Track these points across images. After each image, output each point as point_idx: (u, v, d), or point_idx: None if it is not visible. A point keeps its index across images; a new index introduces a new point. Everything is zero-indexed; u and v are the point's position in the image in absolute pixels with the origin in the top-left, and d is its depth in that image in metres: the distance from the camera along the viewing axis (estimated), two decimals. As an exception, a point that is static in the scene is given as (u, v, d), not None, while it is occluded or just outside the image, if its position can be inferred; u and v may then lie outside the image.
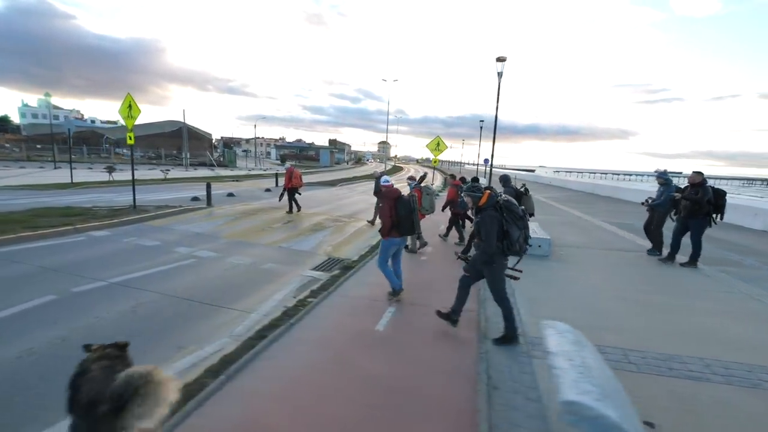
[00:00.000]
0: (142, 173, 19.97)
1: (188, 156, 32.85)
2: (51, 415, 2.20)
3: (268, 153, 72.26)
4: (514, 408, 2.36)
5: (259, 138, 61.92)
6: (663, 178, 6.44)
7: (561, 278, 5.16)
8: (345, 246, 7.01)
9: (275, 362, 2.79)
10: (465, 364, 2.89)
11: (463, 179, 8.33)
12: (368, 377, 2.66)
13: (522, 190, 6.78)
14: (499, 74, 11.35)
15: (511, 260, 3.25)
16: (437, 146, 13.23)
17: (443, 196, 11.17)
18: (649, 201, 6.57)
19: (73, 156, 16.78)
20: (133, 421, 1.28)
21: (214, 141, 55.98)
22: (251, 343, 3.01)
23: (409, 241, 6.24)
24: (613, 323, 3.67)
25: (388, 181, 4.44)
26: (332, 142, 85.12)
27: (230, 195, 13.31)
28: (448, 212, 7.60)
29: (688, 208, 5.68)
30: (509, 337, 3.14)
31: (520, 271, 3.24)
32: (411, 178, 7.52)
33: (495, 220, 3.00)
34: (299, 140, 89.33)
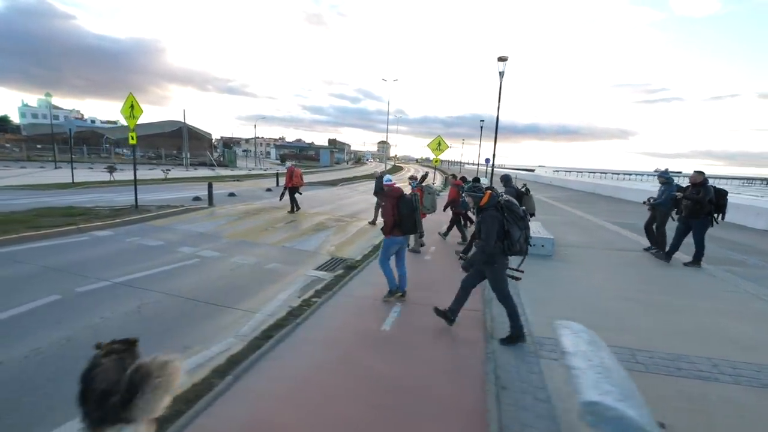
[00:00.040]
0: (143, 173, 19.94)
1: (188, 156, 32.81)
2: (59, 416, 2.19)
3: (268, 153, 72.23)
4: (523, 408, 2.35)
5: (258, 138, 61.92)
6: (664, 177, 6.44)
7: (565, 278, 5.15)
8: (348, 246, 7.01)
9: (282, 362, 2.78)
10: (472, 364, 2.88)
11: (463, 179, 8.32)
12: (376, 377, 2.65)
13: (523, 190, 6.78)
14: (501, 74, 11.34)
15: (515, 260, 3.25)
16: (438, 146, 13.22)
17: (444, 196, 11.16)
18: (651, 200, 6.57)
19: (73, 156, 16.74)
20: (139, 412, 1.33)
21: (213, 141, 55.94)
22: (257, 343, 3.00)
23: (412, 241, 6.24)
24: (618, 323, 3.66)
25: (390, 180, 4.45)
26: (332, 141, 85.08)
27: (231, 195, 13.29)
28: (449, 212, 7.60)
29: (689, 208, 5.67)
30: (516, 336, 3.14)
31: (522, 272, 3.25)
32: (412, 178, 7.52)
33: (496, 220, 3.01)
34: (299, 140, 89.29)
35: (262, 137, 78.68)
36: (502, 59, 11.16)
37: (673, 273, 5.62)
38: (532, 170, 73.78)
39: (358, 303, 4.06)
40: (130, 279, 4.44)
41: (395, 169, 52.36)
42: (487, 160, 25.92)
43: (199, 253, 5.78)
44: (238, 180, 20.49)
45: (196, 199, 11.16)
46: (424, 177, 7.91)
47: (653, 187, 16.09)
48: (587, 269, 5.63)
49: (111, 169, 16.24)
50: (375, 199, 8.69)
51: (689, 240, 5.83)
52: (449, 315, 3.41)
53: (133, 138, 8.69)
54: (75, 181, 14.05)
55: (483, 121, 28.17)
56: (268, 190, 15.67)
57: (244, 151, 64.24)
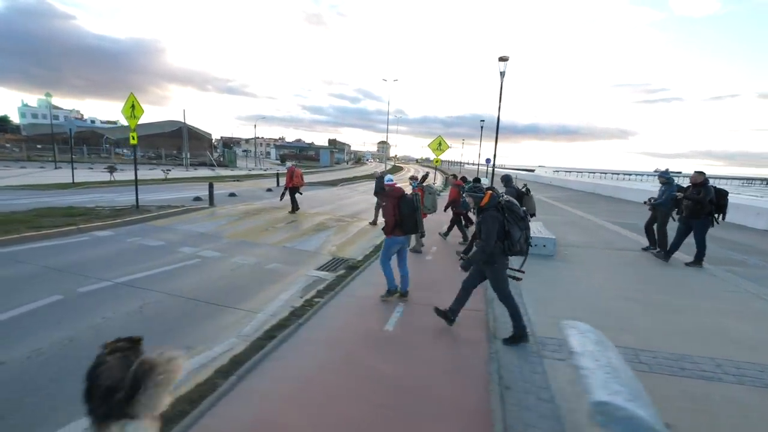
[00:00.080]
0: (143, 173, 19.91)
1: (188, 156, 32.81)
2: (62, 416, 2.19)
3: (268, 153, 72.23)
4: (526, 408, 2.35)
5: (258, 138, 61.89)
6: (665, 177, 6.45)
7: (567, 278, 5.15)
8: (349, 246, 7.00)
9: (285, 362, 2.77)
10: (475, 364, 2.88)
11: (464, 179, 8.33)
12: (379, 377, 2.65)
13: (523, 190, 6.78)
14: (502, 74, 11.34)
15: (517, 261, 3.26)
16: (439, 146, 13.23)
17: (444, 196, 11.16)
18: (652, 200, 6.58)
19: (73, 156, 16.73)
20: (142, 408, 1.36)
21: (213, 141, 55.93)
22: (260, 344, 3.00)
23: (413, 241, 6.24)
24: (620, 323, 3.66)
25: (391, 180, 4.46)
26: (332, 142, 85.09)
27: (232, 195, 13.29)
28: (450, 212, 7.60)
29: (690, 208, 5.68)
30: (518, 336, 3.14)
31: (523, 272, 3.26)
32: (413, 178, 7.52)
33: (496, 221, 3.03)
34: (299, 140, 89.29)
35: (262, 137, 78.66)
36: (503, 59, 11.17)
37: (675, 273, 5.62)
38: (532, 170, 73.80)
39: (361, 303, 4.05)
40: (132, 279, 4.44)
41: (395, 169, 52.38)
42: (488, 160, 25.94)
43: (200, 253, 5.78)
44: (238, 180, 20.49)
45: (197, 199, 11.16)
46: (425, 177, 7.92)
47: (653, 187, 16.10)
48: (588, 269, 5.63)
49: (111, 169, 16.23)
50: (375, 199, 8.69)
51: (690, 240, 5.83)
52: (449, 315, 3.42)
53: (134, 138, 8.69)
54: (75, 181, 14.04)
55: (483, 121, 28.19)
56: (269, 190, 15.67)
57: (244, 151, 64.23)
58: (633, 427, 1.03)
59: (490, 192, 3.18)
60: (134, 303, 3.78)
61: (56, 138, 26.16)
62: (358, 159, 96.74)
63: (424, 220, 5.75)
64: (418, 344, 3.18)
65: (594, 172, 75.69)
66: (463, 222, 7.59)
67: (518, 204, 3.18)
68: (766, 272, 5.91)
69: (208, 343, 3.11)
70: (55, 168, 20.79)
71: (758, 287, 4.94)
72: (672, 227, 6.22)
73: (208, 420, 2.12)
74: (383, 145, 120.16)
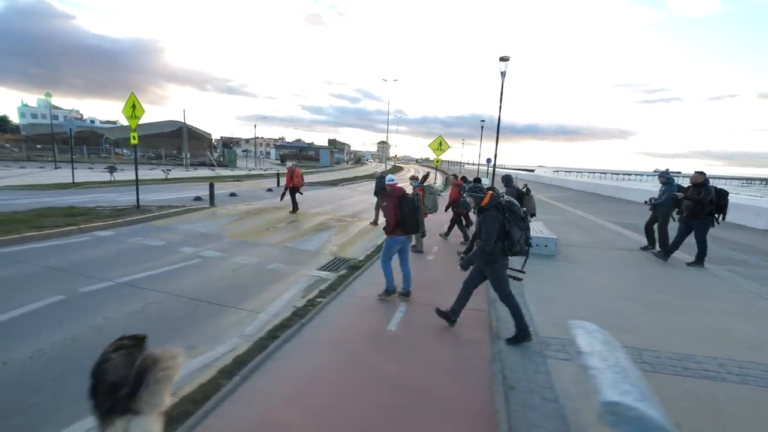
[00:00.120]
0: (143, 173, 19.89)
1: (188, 156, 32.78)
2: (64, 416, 2.18)
3: (268, 153, 72.20)
4: (531, 408, 2.34)
5: (258, 138, 61.86)
6: (665, 177, 6.46)
7: (569, 278, 5.15)
8: (350, 246, 7.00)
9: (288, 363, 2.77)
10: (478, 364, 2.87)
11: (464, 179, 8.33)
12: (383, 377, 2.64)
13: (524, 190, 6.78)
14: (503, 74, 11.34)
15: (519, 261, 3.26)
16: (439, 146, 13.22)
17: (445, 196, 11.16)
18: (652, 200, 6.58)
19: (73, 156, 16.70)
20: (144, 404, 1.38)
21: (213, 141, 55.90)
22: (263, 344, 2.99)
23: (415, 240, 6.24)
24: (623, 323, 3.65)
25: (393, 180, 4.47)
26: (332, 142, 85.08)
27: (232, 195, 13.28)
28: (450, 212, 7.60)
29: (690, 208, 5.68)
30: (521, 335, 3.14)
31: (523, 272, 3.26)
32: (414, 178, 7.52)
33: (497, 221, 3.04)
34: (299, 140, 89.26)
35: (262, 137, 78.60)
36: (503, 59, 11.17)
37: (676, 273, 5.62)
38: (532, 170, 73.86)
39: (363, 303, 4.05)
40: (133, 279, 4.43)
41: (395, 169, 52.38)
42: (488, 160, 25.95)
43: (202, 253, 5.77)
44: (238, 180, 20.48)
45: (197, 199, 11.15)
46: (426, 177, 7.94)
47: (654, 187, 16.11)
48: (590, 269, 5.63)
49: (111, 169, 16.22)
50: (375, 199, 8.69)
51: (690, 240, 5.84)
52: (450, 316, 3.43)
53: (134, 138, 8.67)
54: (75, 181, 14.02)
55: (483, 121, 28.19)
56: (269, 190, 15.66)
57: (244, 151, 64.21)
58: (644, 427, 1.02)
59: (490, 192, 3.19)
60: (136, 303, 3.77)
61: (56, 138, 26.13)
62: (358, 159, 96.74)
63: (425, 220, 5.75)
64: (422, 344, 3.18)
65: (594, 172, 75.76)
66: (464, 222, 7.59)
67: (519, 204, 3.19)
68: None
69: (211, 343, 3.10)
70: (55, 168, 20.76)
71: (760, 287, 4.94)
72: (673, 227, 6.22)
73: (212, 420, 2.11)
74: (383, 145, 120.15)
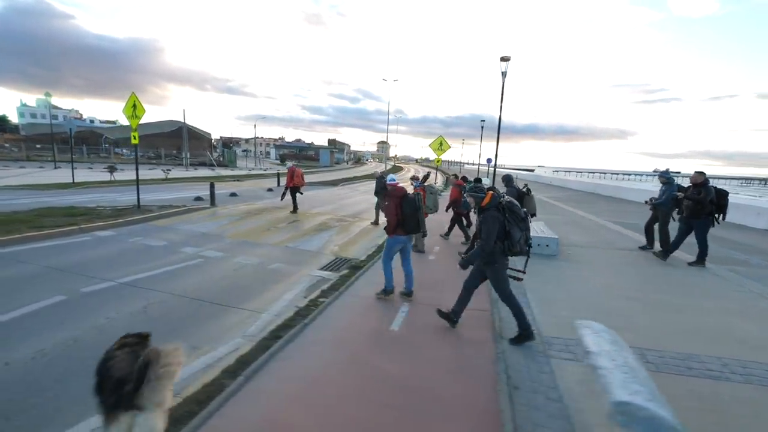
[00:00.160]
0: (143, 173, 19.86)
1: (188, 156, 32.74)
2: (67, 417, 2.17)
3: (268, 153, 72.17)
4: (535, 408, 2.34)
5: (258, 138, 61.83)
6: (665, 177, 6.47)
7: (570, 277, 5.15)
8: (351, 246, 6.99)
9: (292, 363, 2.76)
10: (482, 364, 2.87)
11: (464, 179, 8.33)
12: (387, 377, 2.63)
13: (524, 190, 6.79)
14: (503, 74, 11.34)
15: (520, 262, 3.26)
16: (440, 146, 13.22)
17: (445, 196, 11.16)
18: (652, 200, 6.59)
19: (73, 156, 16.67)
20: (146, 400, 1.42)
21: (213, 141, 55.86)
22: (266, 344, 2.98)
23: (416, 240, 6.23)
24: (625, 322, 3.65)
25: (394, 180, 4.47)
26: (331, 141, 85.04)
27: (233, 195, 13.27)
28: (450, 212, 7.60)
29: (690, 208, 5.69)
30: (524, 335, 3.14)
31: (524, 272, 3.27)
32: (414, 178, 7.52)
33: (497, 221, 3.04)
34: (298, 140, 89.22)
35: (262, 137, 78.53)
36: (504, 59, 11.17)
37: (677, 273, 5.62)
38: (532, 170, 73.96)
39: (365, 303, 4.04)
40: (135, 279, 4.42)
41: (395, 169, 52.37)
42: (489, 160, 25.96)
43: (203, 253, 5.76)
44: (238, 180, 20.46)
45: (198, 199, 11.14)
46: (426, 177, 7.95)
47: (654, 187, 16.11)
48: (591, 269, 5.63)
49: (111, 169, 16.19)
50: (376, 199, 8.67)
51: (691, 240, 5.84)
52: (452, 316, 3.43)
53: (135, 138, 8.66)
54: (75, 181, 14.00)
55: (484, 121, 28.19)
56: (270, 190, 15.65)
57: (244, 151, 64.19)
58: (654, 426, 1.02)
59: (491, 192, 3.20)
60: (138, 303, 3.76)
61: (55, 138, 26.08)
62: (358, 159, 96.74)
63: (426, 219, 5.74)
64: (425, 344, 3.17)
65: (593, 172, 75.82)
66: (465, 222, 7.59)
67: (519, 205, 3.19)
68: (769, 272, 5.92)
69: (214, 344, 3.09)
70: (55, 168, 20.72)
71: (762, 287, 4.94)
72: (673, 227, 6.23)
73: (216, 421, 2.10)
74: (383, 145, 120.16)
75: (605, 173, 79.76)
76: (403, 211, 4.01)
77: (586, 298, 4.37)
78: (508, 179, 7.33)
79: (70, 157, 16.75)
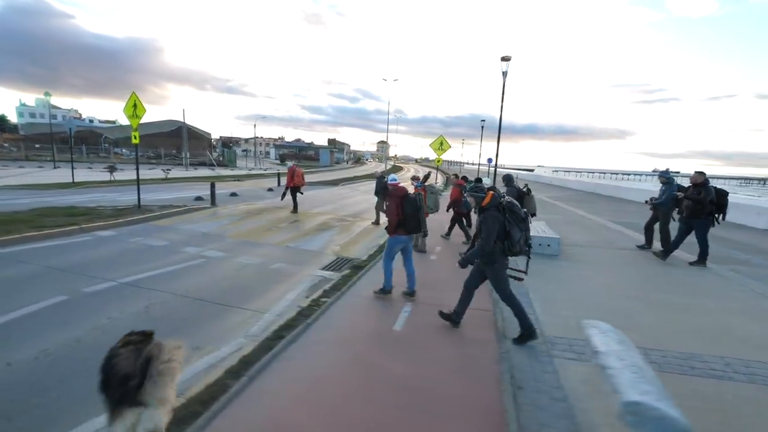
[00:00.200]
0: (143, 173, 19.82)
1: (188, 155, 32.69)
2: (70, 417, 2.16)
3: (267, 153, 72.11)
4: (540, 408, 2.34)
5: (258, 138, 61.77)
6: (665, 177, 6.48)
7: (572, 277, 5.15)
8: (353, 246, 6.98)
9: (295, 363, 2.75)
10: (486, 364, 2.87)
11: (465, 178, 8.34)
12: (390, 377, 2.63)
13: (524, 190, 6.79)
14: (504, 73, 11.34)
15: (522, 262, 3.26)
16: (440, 145, 13.22)
17: (446, 196, 11.16)
18: (653, 200, 6.60)
19: (72, 156, 16.63)
20: (148, 397, 1.43)
21: (212, 141, 55.79)
22: (269, 344, 2.98)
23: (418, 241, 6.23)
24: (628, 322, 3.65)
25: (395, 180, 4.47)
26: (331, 141, 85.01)
27: (233, 195, 13.26)
28: (452, 212, 7.59)
29: (690, 208, 5.69)
30: (527, 334, 3.13)
31: (524, 272, 3.27)
32: (415, 178, 7.53)
33: (497, 221, 3.05)
34: (298, 140, 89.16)
35: (261, 137, 78.47)
36: (505, 59, 11.17)
37: (679, 272, 5.63)
38: (532, 170, 74.09)
39: (368, 303, 4.04)
40: (136, 279, 4.41)
41: (395, 169, 52.36)
42: (489, 160, 25.97)
43: (204, 253, 5.75)
44: (238, 180, 20.44)
45: (198, 198, 11.12)
46: (427, 177, 7.96)
47: (654, 187, 16.11)
48: (594, 268, 5.64)
49: (111, 169, 16.17)
50: (376, 199, 8.67)
51: (692, 240, 5.85)
52: (454, 317, 3.44)
53: (136, 137, 8.64)
54: (75, 180, 13.97)
55: (484, 121, 28.19)
56: (270, 190, 15.64)
57: (243, 150, 64.14)
58: (665, 427, 1.02)
59: (491, 192, 3.21)
60: (140, 303, 3.75)
61: (55, 138, 26.02)
62: (358, 159, 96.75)
63: (426, 219, 5.74)
64: (428, 344, 3.17)
65: (593, 172, 75.90)
66: (465, 222, 7.59)
67: (519, 205, 3.21)
68: (770, 271, 5.92)
69: (216, 344, 3.09)
70: (54, 168, 20.68)
71: (764, 287, 4.95)
72: (673, 227, 6.24)
73: (220, 422, 2.10)
74: (383, 144, 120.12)
75: (604, 173, 79.87)
76: (405, 211, 4.01)
77: (588, 297, 4.37)
78: (508, 179, 7.34)
79: (69, 157, 16.73)
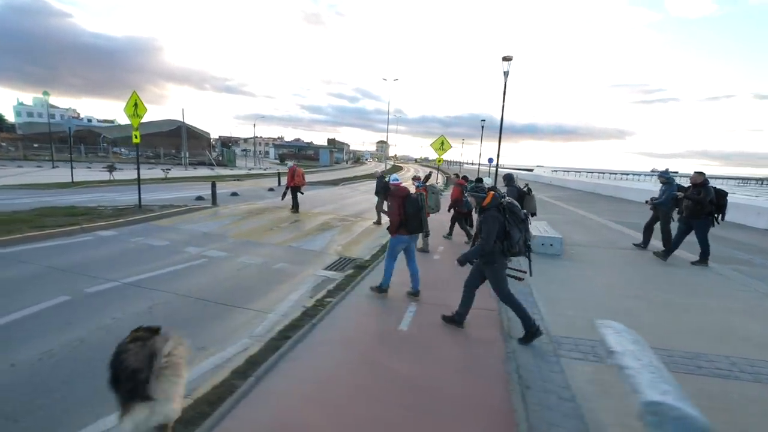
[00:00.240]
0: (143, 172, 19.78)
1: (187, 155, 32.61)
2: (75, 418, 2.15)
3: (267, 152, 72.01)
4: (548, 408, 2.33)
5: (257, 137, 61.66)
6: (665, 177, 6.50)
7: (575, 277, 5.15)
8: (355, 245, 6.97)
9: (302, 363, 2.74)
10: (492, 364, 2.86)
11: (465, 178, 8.34)
12: (397, 377, 2.62)
13: (525, 189, 6.80)
14: (505, 73, 11.34)
15: (522, 263, 3.26)
16: (441, 145, 13.22)
17: (446, 195, 11.16)
18: (653, 200, 6.62)
19: (72, 155, 16.56)
20: (156, 391, 1.45)
21: (212, 140, 55.65)
22: (275, 344, 2.96)
23: (421, 241, 6.22)
24: (631, 321, 3.61)
25: (397, 180, 4.47)
26: (331, 141, 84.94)
27: (234, 194, 13.22)
28: (453, 212, 7.59)
29: (690, 208, 5.71)
30: (531, 333, 3.13)
31: (524, 272, 3.28)
32: (416, 178, 7.53)
33: (497, 221, 3.06)
34: (298, 139, 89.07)
35: (261, 137, 78.35)
36: (506, 59, 11.17)
37: (681, 272, 5.64)
38: (531, 170, 74.30)
39: (372, 303, 4.03)
40: (139, 279, 4.39)
41: (395, 169, 52.37)
42: (490, 160, 25.99)
43: (206, 253, 5.73)
44: (238, 179, 20.39)
45: (199, 198, 11.09)
46: (428, 177, 7.95)
47: (654, 187, 16.15)
48: (595, 268, 5.64)
49: (111, 169, 16.11)
50: (377, 198, 8.65)
51: (693, 240, 5.86)
52: (457, 319, 3.44)
53: (136, 137, 8.60)
54: (74, 180, 13.91)
55: (484, 120, 28.21)
56: (271, 189, 15.60)
57: (243, 150, 64.04)
58: (686, 427, 1.01)
59: (492, 192, 3.22)
60: (143, 303, 3.74)
61: (53, 137, 25.90)
62: (358, 158, 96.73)
63: (428, 219, 5.74)
64: (434, 344, 3.16)
65: (592, 172, 76.07)
66: (467, 222, 7.59)
67: (519, 206, 3.22)
68: (772, 271, 5.94)
69: (221, 344, 3.07)
70: (53, 167, 20.59)
71: (766, 286, 4.96)
72: (673, 227, 6.25)
73: (229, 422, 2.08)
74: (382, 144, 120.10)
75: (604, 173, 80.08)
76: (406, 211, 4.00)
77: (591, 297, 4.37)
78: (509, 178, 7.35)
79: (68, 157, 16.67)
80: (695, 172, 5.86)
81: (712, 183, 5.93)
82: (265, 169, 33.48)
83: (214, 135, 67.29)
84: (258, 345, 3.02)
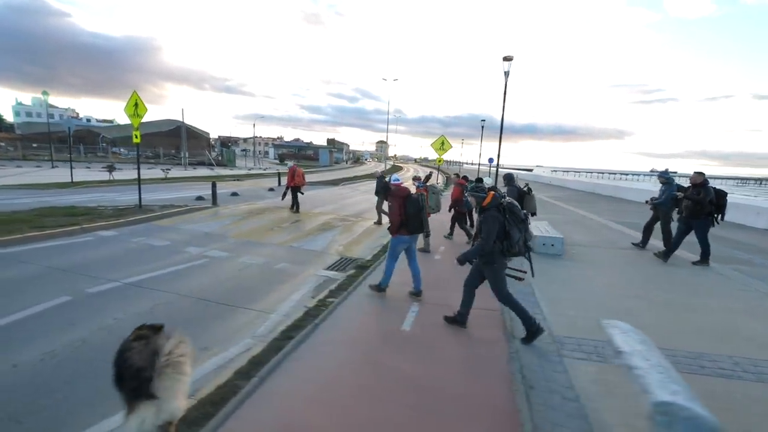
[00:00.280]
0: (142, 172, 19.75)
1: (187, 155, 32.56)
2: (77, 419, 2.14)
3: (266, 152, 71.97)
4: (552, 408, 2.33)
5: (257, 137, 61.62)
6: (664, 177, 6.51)
7: (577, 277, 5.16)
8: (356, 245, 6.97)
9: (305, 363, 2.74)
10: (495, 364, 2.86)
11: (465, 178, 8.35)
12: (401, 377, 2.62)
13: (525, 189, 6.80)
14: (506, 73, 11.35)
15: (525, 265, 3.25)
16: (442, 145, 13.23)
17: (447, 195, 11.17)
18: (653, 200, 6.63)
19: (71, 155, 16.52)
20: (161, 390, 1.46)
21: (211, 140, 55.57)
22: (278, 344, 2.96)
23: (422, 241, 6.22)
24: (633, 321, 3.60)
25: (398, 180, 4.47)
26: (330, 141, 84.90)
27: (234, 194, 13.21)
28: (453, 211, 7.60)
29: (690, 209, 5.72)
30: (532, 332, 3.13)
31: (524, 272, 3.27)
32: (416, 179, 7.53)
33: (497, 221, 3.07)
34: (297, 139, 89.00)
35: (260, 137, 78.31)
36: (507, 59, 11.18)
37: (682, 272, 5.64)
38: (531, 170, 74.41)
39: (375, 303, 4.03)
40: (140, 279, 4.38)
41: (395, 169, 52.37)
42: (491, 160, 26.01)
43: (207, 253, 5.72)
44: (238, 179, 20.37)
45: (200, 198, 11.07)
46: (428, 177, 7.95)
47: (653, 187, 16.19)
48: (596, 268, 5.65)
49: (110, 169, 16.07)
50: (377, 198, 8.65)
51: (693, 240, 5.87)
52: (459, 319, 3.44)
53: (137, 137, 8.59)
54: (74, 180, 13.87)
55: (484, 120, 28.23)
56: (271, 189, 15.59)
57: (242, 150, 64.00)
58: (697, 427, 1.01)
59: (492, 192, 3.23)
60: (144, 304, 3.73)
61: (52, 137, 25.84)
62: (357, 158, 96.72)
63: (429, 219, 5.74)
64: (437, 344, 3.16)
65: (591, 172, 76.17)
66: (468, 222, 7.59)
67: (519, 207, 3.23)
68: (773, 271, 5.95)
69: (223, 344, 3.06)
70: (52, 167, 20.54)
71: (767, 286, 4.97)
72: (673, 227, 6.26)
73: (233, 423, 2.08)
74: (382, 144, 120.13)
75: (603, 173, 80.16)
76: (407, 211, 4.01)
77: (592, 297, 4.38)
78: (509, 178, 7.36)
79: (67, 157, 16.63)
80: (695, 173, 5.87)
81: (712, 183, 5.94)
82: (264, 169, 33.45)
83: (213, 135, 67.16)
84: (261, 345, 3.02)
